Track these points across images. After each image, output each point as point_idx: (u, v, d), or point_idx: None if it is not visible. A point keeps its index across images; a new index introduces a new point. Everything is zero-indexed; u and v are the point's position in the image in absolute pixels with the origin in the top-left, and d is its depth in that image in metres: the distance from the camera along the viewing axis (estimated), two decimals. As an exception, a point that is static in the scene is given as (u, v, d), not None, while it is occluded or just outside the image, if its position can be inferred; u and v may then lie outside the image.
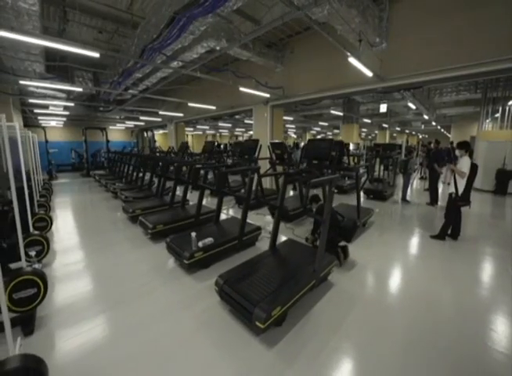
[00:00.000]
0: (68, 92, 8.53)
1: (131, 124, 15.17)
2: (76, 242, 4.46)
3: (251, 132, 24.34)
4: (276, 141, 6.45)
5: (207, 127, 18.74)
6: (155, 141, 17.16)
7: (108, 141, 13.10)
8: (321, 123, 15.63)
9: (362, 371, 1.91)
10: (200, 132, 24.13)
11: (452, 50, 4.59)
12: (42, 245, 3.47)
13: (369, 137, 28.77)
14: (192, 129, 20.17)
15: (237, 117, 14.25)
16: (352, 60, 3.95)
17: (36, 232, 3.65)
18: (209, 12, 2.96)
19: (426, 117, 11.70)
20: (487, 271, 3.40)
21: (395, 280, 3.19)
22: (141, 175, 8.37)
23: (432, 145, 7.56)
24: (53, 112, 10.38)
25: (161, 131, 21.65)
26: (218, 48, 5.62)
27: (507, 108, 8.81)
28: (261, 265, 2.81)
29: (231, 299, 2.34)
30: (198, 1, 2.88)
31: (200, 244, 3.23)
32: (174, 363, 1.98)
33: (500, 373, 1.87)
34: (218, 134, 25.20)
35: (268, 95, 6.76)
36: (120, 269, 3.48)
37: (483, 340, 2.17)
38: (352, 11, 3.88)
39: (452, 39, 4.57)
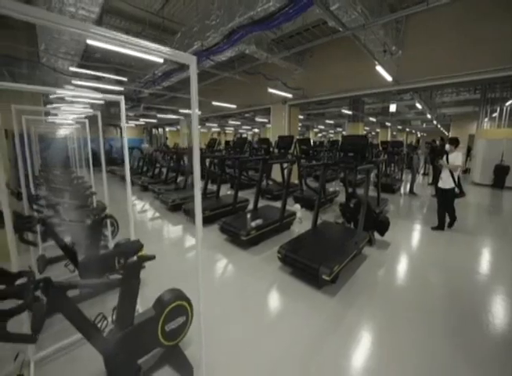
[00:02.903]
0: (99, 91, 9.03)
1: (143, 121, 15.58)
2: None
3: (256, 130, 24.95)
4: (303, 137, 7.03)
5: (215, 124, 19.24)
6: (166, 138, 17.62)
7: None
8: (328, 121, 16.24)
9: (399, 313, 2.51)
10: (205, 130, 24.56)
11: (458, 58, 5.22)
12: (113, 226, 4.01)
13: (369, 135, 29.51)
14: (199, 127, 20.61)
15: (246, 115, 14.77)
16: (379, 69, 4.54)
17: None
18: (268, 28, 3.50)
19: (429, 116, 12.38)
20: (486, 249, 4.05)
21: (414, 253, 3.81)
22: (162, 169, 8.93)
23: (438, 142, 8.23)
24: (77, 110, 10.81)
25: (167, 129, 22.03)
26: (247, 51, 6.16)
27: (504, 108, 9.50)
28: (311, 238, 3.40)
29: (295, 262, 2.92)
30: (263, 20, 3.43)
31: (253, 223, 3.80)
32: (260, 310, 2.56)
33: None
34: (221, 131, 25.69)
35: (290, 96, 7.33)
36: (178, 246, 4.04)
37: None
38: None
39: (458, 49, 5.19)
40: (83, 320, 1.43)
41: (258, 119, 14.99)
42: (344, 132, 23.85)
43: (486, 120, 9.92)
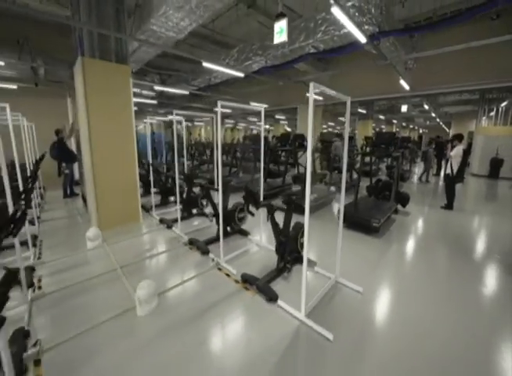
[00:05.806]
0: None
1: (167, 118, 16.85)
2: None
3: (267, 126, 26.27)
4: (335, 133, 8.39)
5: (232, 121, 20.55)
6: (190, 133, 18.94)
7: (153, 133, 14.78)
8: (340, 118, 17.57)
9: (423, 248, 3.93)
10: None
11: (465, 71, 6.56)
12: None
13: (372, 131, 30.84)
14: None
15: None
16: (402, 82, 5.89)
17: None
18: (328, 57, 4.80)
19: (433, 114, 13.72)
20: (483, 220, 5.48)
21: (429, 219, 5.23)
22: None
23: (443, 138, 9.66)
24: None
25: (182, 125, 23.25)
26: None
27: (500, 108, 10.85)
28: (357, 205, 4.80)
29: (351, 218, 4.33)
30: (326, 51, 4.74)
31: (312, 197, 5.19)
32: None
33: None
34: (234, 127, 26.97)
35: (321, 98, 8.66)
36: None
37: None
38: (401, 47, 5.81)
39: (465, 63, 6.53)
40: (277, 227, 2.83)
41: (277, 116, 16.30)
42: (349, 129, 24.98)
43: (484, 118, 11.24)
